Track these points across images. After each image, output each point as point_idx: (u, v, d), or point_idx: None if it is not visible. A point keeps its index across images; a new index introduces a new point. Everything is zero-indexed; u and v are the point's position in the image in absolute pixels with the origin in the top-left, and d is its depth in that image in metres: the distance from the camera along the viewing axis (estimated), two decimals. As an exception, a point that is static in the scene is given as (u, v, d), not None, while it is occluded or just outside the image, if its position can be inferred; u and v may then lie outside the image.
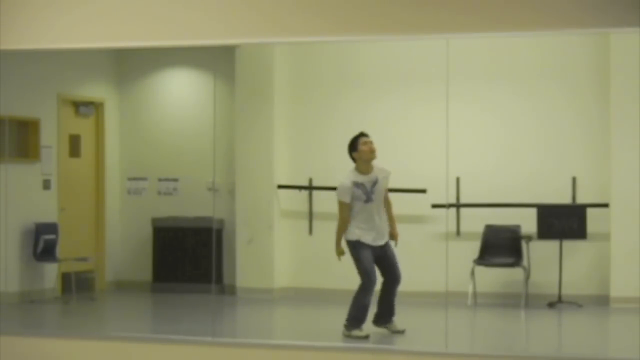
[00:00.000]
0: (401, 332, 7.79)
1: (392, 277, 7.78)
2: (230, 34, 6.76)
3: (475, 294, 9.58)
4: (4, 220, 8.87)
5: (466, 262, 9.60)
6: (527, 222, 9.76)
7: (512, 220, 9.88)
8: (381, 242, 7.76)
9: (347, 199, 7.72)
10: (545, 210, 9.72)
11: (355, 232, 7.72)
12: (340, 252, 7.80)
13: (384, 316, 7.87)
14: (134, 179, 11.07)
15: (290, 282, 10.32)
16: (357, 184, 7.74)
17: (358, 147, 7.78)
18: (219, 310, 9.42)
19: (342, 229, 7.78)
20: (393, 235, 7.88)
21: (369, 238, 7.72)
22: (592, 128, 9.95)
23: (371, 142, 7.78)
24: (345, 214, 7.75)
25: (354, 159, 7.83)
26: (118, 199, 11.05)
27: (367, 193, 7.72)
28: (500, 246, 9.84)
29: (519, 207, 9.82)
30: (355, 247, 7.71)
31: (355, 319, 7.66)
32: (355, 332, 7.59)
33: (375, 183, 7.76)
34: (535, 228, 9.72)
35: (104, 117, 10.96)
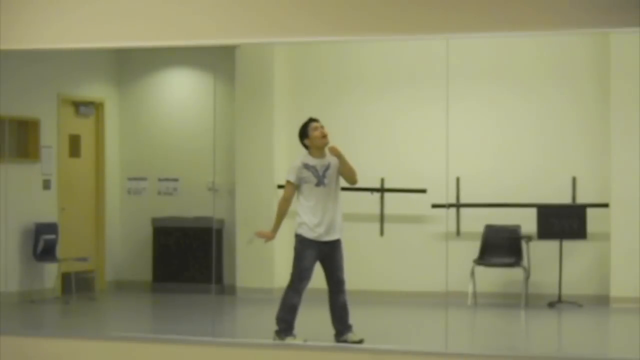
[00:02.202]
0: (359, 341, 7.18)
1: (334, 282, 7.33)
2: (230, 34, 6.75)
3: (475, 294, 9.58)
4: (4, 220, 8.86)
5: (466, 262, 9.61)
6: (527, 222, 9.76)
7: (512, 220, 9.88)
8: (331, 238, 7.29)
9: (292, 178, 7.30)
10: (545, 210, 9.73)
11: (304, 227, 7.29)
12: (268, 237, 7.43)
13: (339, 327, 7.34)
14: (134, 179, 11.06)
15: (290, 282, 10.31)
16: (307, 166, 7.31)
17: (309, 134, 7.39)
18: (219, 310, 9.42)
19: (281, 209, 7.35)
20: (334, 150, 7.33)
21: (319, 231, 7.26)
22: (592, 128, 9.95)
23: (322, 127, 7.37)
24: (288, 194, 7.36)
25: (306, 147, 7.43)
26: (118, 199, 11.04)
27: (318, 176, 7.27)
28: (500, 246, 9.84)
29: (519, 207, 9.82)
30: (301, 243, 7.31)
31: (284, 322, 7.27)
32: (289, 340, 7.21)
33: (327, 167, 7.31)
34: (535, 228, 9.73)
35: (104, 117, 10.96)
